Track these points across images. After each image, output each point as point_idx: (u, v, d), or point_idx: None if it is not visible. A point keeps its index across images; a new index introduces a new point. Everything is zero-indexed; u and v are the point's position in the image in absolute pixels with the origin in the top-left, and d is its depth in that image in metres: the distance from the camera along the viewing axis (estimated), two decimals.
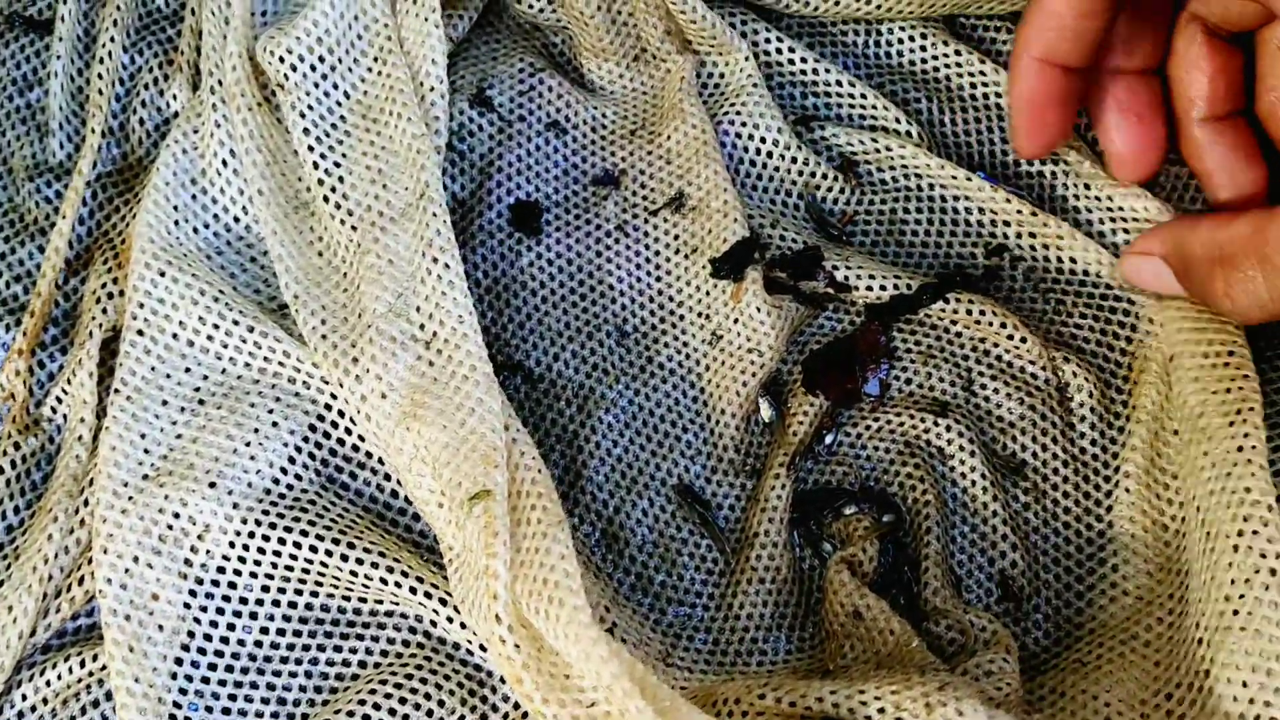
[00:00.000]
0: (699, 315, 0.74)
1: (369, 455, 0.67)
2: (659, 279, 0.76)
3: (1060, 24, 0.65)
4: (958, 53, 0.80)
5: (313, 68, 0.72)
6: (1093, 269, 0.73)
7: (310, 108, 0.72)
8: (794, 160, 0.78)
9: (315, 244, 0.70)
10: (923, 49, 0.81)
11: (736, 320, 0.73)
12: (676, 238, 0.76)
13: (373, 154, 0.71)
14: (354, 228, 0.69)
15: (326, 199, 0.70)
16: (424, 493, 0.62)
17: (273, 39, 0.72)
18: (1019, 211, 0.74)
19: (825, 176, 0.78)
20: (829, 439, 0.71)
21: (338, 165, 0.70)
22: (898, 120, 0.78)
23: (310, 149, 0.71)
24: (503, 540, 0.56)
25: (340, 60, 0.73)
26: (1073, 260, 0.73)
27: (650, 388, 0.73)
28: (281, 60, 0.72)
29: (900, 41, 0.81)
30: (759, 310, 0.72)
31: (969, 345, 0.72)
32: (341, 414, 0.67)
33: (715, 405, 0.72)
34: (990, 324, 0.71)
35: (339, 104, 0.73)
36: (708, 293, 0.74)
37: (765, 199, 0.78)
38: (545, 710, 0.55)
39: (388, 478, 0.67)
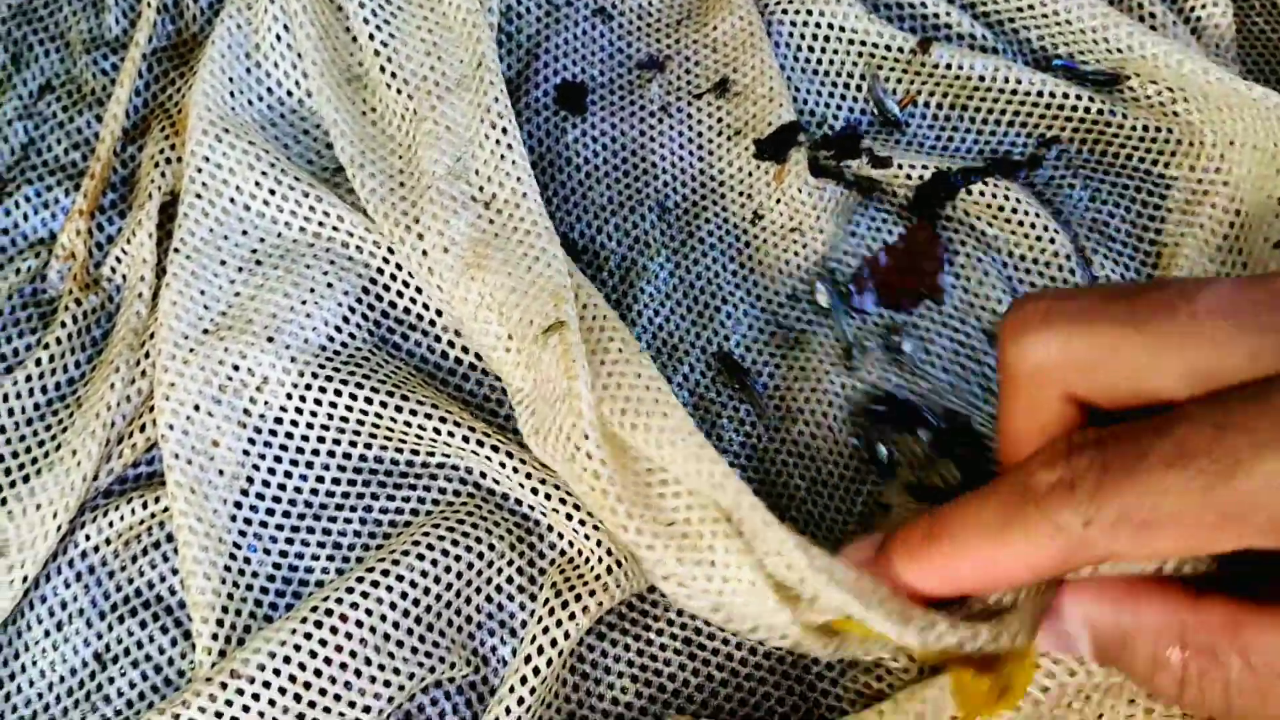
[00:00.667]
0: (740, 194, 0.76)
1: (419, 318, 0.69)
2: (701, 159, 0.77)
3: None
4: None
5: None
6: (1132, 159, 0.75)
7: None
8: (854, 41, 0.79)
9: (370, 114, 0.72)
10: None
11: (779, 200, 0.75)
12: (720, 120, 0.78)
13: (427, 28, 0.72)
14: (410, 96, 0.70)
15: (383, 69, 0.71)
16: (490, 339, 0.63)
17: None
18: (1076, 100, 0.76)
19: (889, 53, 0.79)
20: (908, 347, 0.72)
21: (393, 37, 0.72)
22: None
23: (365, 21, 0.72)
24: (581, 364, 0.57)
25: None
26: (1112, 148, 0.75)
27: (691, 260, 0.74)
28: None
29: None
30: (800, 191, 0.74)
31: (1005, 249, 0.74)
32: (394, 278, 0.69)
33: (758, 280, 0.73)
34: (1022, 222, 0.73)
35: None
36: (750, 173, 0.76)
37: (824, 81, 0.80)
38: (629, 525, 0.56)
39: (438, 339, 0.69)
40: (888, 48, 0.78)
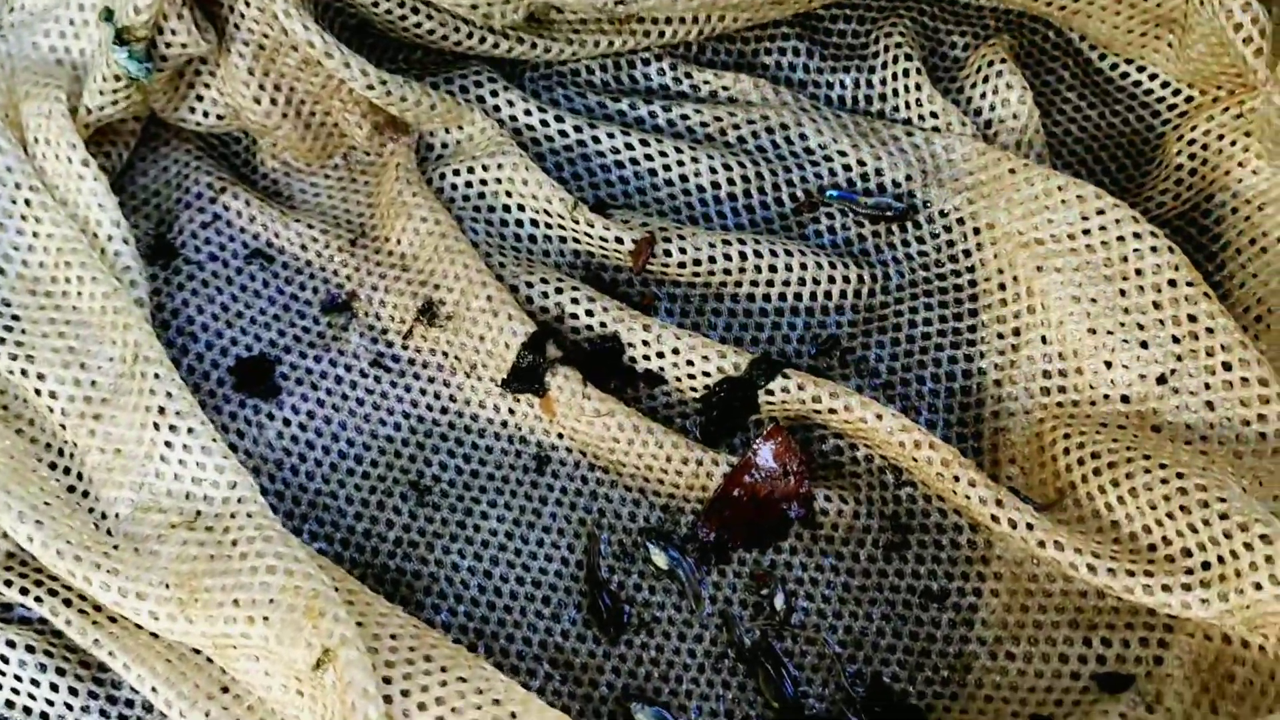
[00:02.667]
0: (512, 443, 0.61)
1: (27, 711, 0.54)
2: (444, 413, 0.62)
3: None
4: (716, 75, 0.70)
5: None
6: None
7: None
8: (576, 222, 0.65)
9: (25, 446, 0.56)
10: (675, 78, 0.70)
11: (561, 436, 0.61)
12: (446, 356, 0.63)
13: (57, 331, 0.56)
14: (63, 425, 0.56)
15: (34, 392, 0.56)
16: (259, 680, 0.50)
17: None
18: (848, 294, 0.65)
19: (613, 242, 0.65)
20: (779, 601, 0.59)
21: (19, 353, 0.55)
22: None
23: None
24: (359, 696, 0.45)
25: None
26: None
27: (474, 555, 0.59)
28: None
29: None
30: (581, 419, 0.60)
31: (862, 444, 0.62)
32: None
33: (558, 555, 0.60)
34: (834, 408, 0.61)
35: None
36: (511, 410, 0.61)
37: (548, 264, 0.66)
38: None
39: None
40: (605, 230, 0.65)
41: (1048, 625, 0.56)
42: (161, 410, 0.54)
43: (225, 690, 0.52)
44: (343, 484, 0.60)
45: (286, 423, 0.61)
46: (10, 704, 0.54)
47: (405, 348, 0.63)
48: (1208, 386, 0.56)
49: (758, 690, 0.57)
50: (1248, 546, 0.50)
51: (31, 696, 0.54)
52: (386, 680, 0.47)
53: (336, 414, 0.61)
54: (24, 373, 0.56)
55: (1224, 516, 0.51)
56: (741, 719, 0.57)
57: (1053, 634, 0.56)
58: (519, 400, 0.61)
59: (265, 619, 0.48)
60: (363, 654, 0.46)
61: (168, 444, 0.54)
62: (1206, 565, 0.51)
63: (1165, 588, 0.52)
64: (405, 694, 0.47)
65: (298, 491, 0.60)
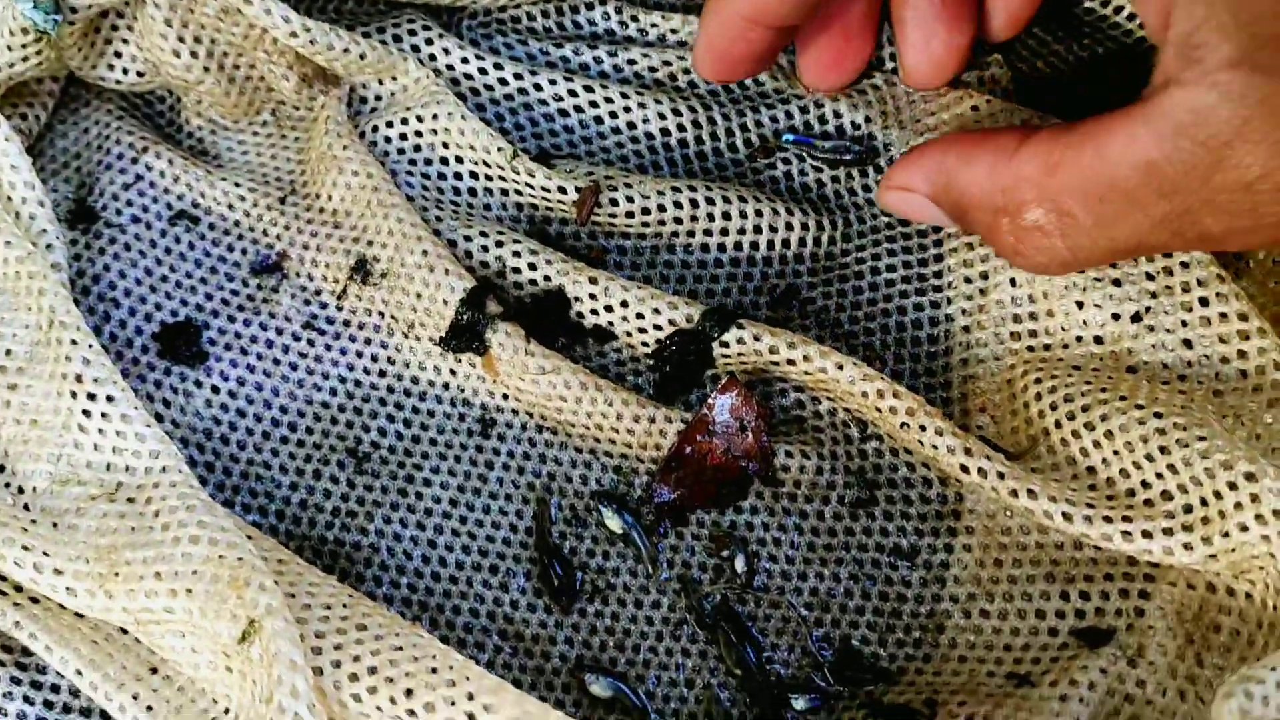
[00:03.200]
0: (454, 405, 0.58)
1: None
2: (383, 376, 0.59)
3: None
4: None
5: None
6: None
7: None
8: (517, 172, 0.61)
9: None
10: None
11: (506, 397, 0.57)
12: (382, 315, 0.59)
13: None
14: None
15: None
16: (186, 657, 0.47)
17: None
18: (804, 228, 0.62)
19: (555, 192, 0.62)
20: (740, 563, 0.56)
21: None
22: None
23: None
24: (286, 667, 0.42)
25: None
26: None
27: (416, 524, 0.56)
28: None
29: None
30: (525, 376, 0.57)
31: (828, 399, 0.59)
32: None
33: (505, 522, 0.56)
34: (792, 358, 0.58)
35: None
36: (452, 372, 0.58)
37: (488, 217, 0.62)
38: None
39: None
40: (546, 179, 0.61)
41: (1023, 580, 0.53)
42: (79, 378, 0.51)
43: (154, 671, 0.49)
44: (276, 453, 0.57)
45: (215, 390, 0.58)
46: None
47: (339, 309, 0.59)
48: (1184, 324, 0.53)
49: (719, 657, 0.54)
50: (1231, 486, 0.47)
51: None
52: (316, 651, 0.44)
53: (268, 380, 0.58)
54: None
55: (1205, 456, 0.48)
56: (702, 687, 0.53)
57: (1028, 589, 0.53)
58: (460, 360, 0.58)
59: (188, 591, 0.45)
60: (290, 624, 0.43)
61: (85, 413, 0.50)
62: (1188, 508, 0.49)
63: (1146, 534, 0.49)
64: (336, 665, 0.44)
65: (229, 462, 0.57)
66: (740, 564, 0.55)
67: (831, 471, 0.56)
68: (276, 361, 0.58)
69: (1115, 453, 0.51)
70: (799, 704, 0.53)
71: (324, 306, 0.60)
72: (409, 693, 0.43)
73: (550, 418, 0.57)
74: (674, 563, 0.55)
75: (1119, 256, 0.48)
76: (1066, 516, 0.50)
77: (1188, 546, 0.48)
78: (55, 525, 0.49)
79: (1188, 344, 0.53)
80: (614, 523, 0.56)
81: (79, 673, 0.49)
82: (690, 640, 0.54)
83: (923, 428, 0.53)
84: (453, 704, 0.43)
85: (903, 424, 0.54)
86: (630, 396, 0.57)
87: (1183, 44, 0.44)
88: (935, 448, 0.53)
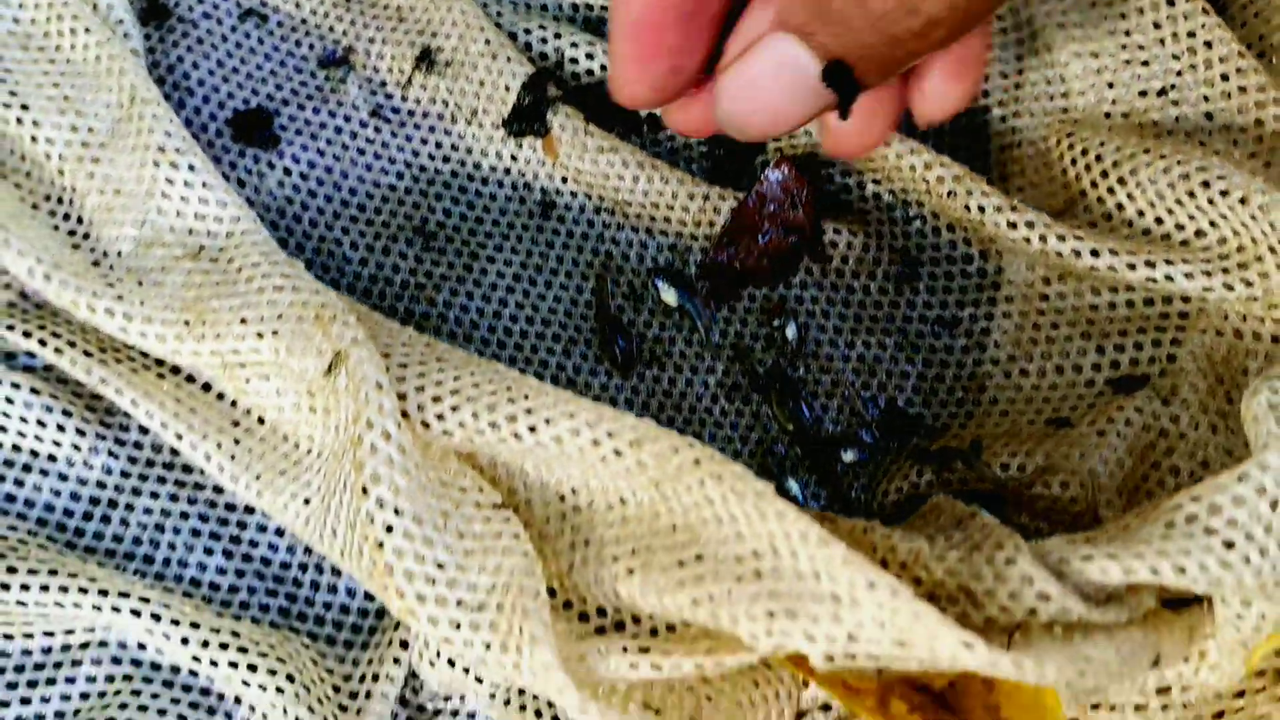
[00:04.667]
0: (515, 189, 0.61)
1: (34, 454, 0.54)
2: (447, 161, 0.61)
3: None
4: None
5: None
6: None
7: None
8: None
9: (21, 198, 0.55)
10: None
11: (565, 180, 0.60)
12: (447, 104, 0.62)
13: (51, 81, 0.55)
14: (60, 171, 0.55)
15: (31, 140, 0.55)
16: (271, 404, 0.50)
17: None
18: None
19: None
20: (790, 332, 0.59)
21: (12, 102, 0.54)
22: None
23: None
24: (371, 391, 0.45)
25: None
26: None
27: (481, 297, 0.59)
28: None
29: None
30: (585, 157, 0.59)
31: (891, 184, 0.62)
32: None
33: (566, 296, 0.59)
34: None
35: None
36: (514, 157, 0.61)
37: (545, 14, 0.64)
38: (418, 611, 0.43)
39: (63, 478, 0.54)
40: None
41: (1060, 340, 0.56)
42: (161, 149, 0.53)
43: (236, 424, 0.52)
44: (346, 231, 0.60)
45: (287, 172, 0.60)
46: (17, 448, 0.53)
47: (404, 98, 0.62)
48: (1206, 98, 0.56)
49: (772, 416, 0.57)
50: (1270, 225, 0.50)
51: (39, 439, 0.53)
52: (400, 379, 0.46)
53: (337, 163, 0.61)
54: (19, 121, 0.55)
55: (1227, 194, 0.51)
56: (756, 442, 0.56)
57: (1066, 347, 0.56)
58: (521, 145, 0.60)
59: (274, 332, 0.48)
60: (374, 353, 0.46)
61: (169, 180, 0.53)
62: (1223, 242, 0.51)
63: (1187, 275, 0.52)
64: (420, 389, 0.46)
65: (301, 239, 0.59)
66: (791, 332, 0.58)
67: (877, 249, 0.59)
68: (345, 147, 0.61)
69: (1149, 202, 0.53)
70: (848, 456, 0.56)
71: (389, 96, 0.62)
72: (490, 408, 0.46)
73: (608, 199, 0.60)
74: (727, 333, 0.58)
75: None
76: (1110, 265, 0.53)
77: (1227, 285, 0.51)
78: (141, 283, 0.51)
79: (1209, 116, 0.56)
80: (670, 296, 0.58)
81: (164, 425, 0.52)
82: (744, 402, 0.57)
83: (969, 193, 0.56)
84: (529, 412, 0.45)
85: (949, 193, 0.57)
86: (685, 176, 0.59)
87: None
88: (981, 210, 0.56)
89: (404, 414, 0.46)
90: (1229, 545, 0.40)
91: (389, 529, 0.43)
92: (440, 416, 0.46)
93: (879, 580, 0.39)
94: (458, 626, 0.43)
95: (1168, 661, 0.43)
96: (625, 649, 0.44)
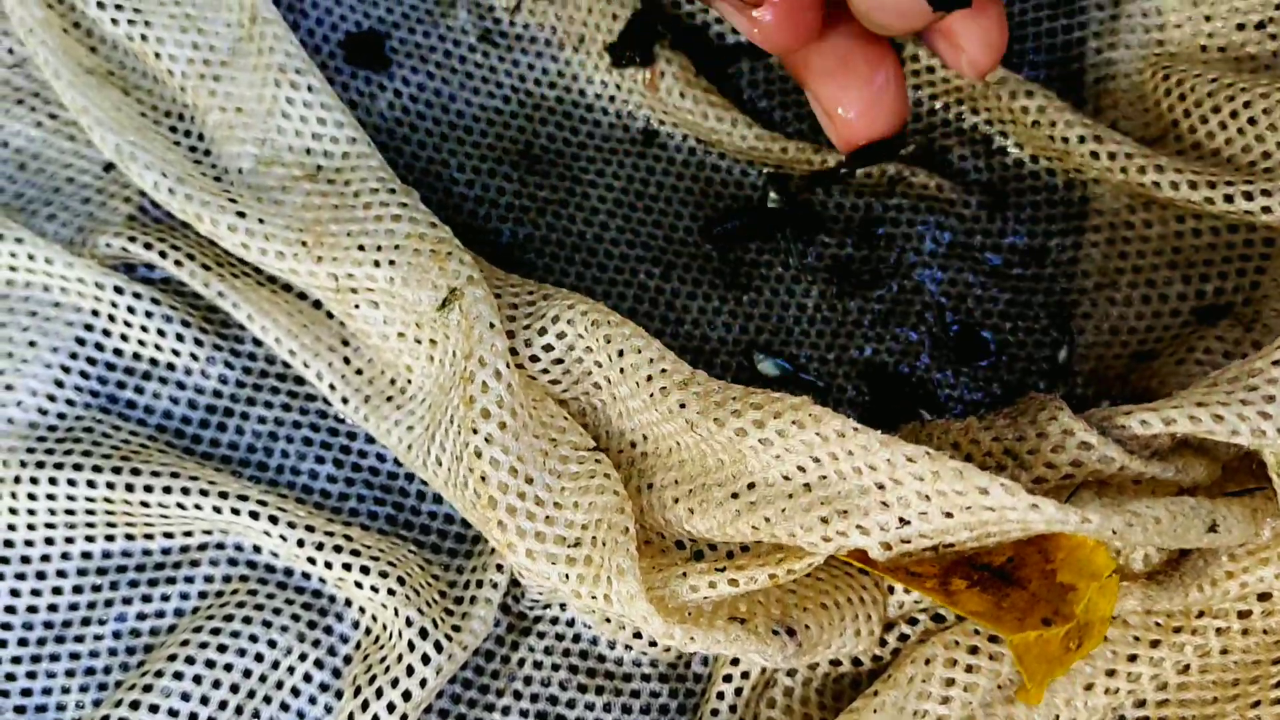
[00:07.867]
0: (619, 117, 0.62)
1: (154, 363, 0.56)
2: (553, 87, 0.63)
3: None
4: None
5: None
6: None
7: None
8: None
9: (145, 113, 0.57)
10: None
11: (665, 113, 0.61)
12: (555, 31, 0.63)
13: (173, 2, 0.57)
14: (183, 88, 0.56)
15: (154, 56, 0.56)
16: (377, 331, 0.52)
17: None
18: None
19: None
20: (881, 230, 0.60)
21: (136, 20, 0.55)
22: None
23: (102, 6, 0.56)
24: (484, 330, 0.47)
25: None
26: None
27: (584, 220, 0.61)
28: None
29: None
30: (685, 95, 0.61)
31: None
32: (113, 318, 0.55)
33: (666, 222, 0.61)
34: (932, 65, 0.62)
35: None
36: (618, 86, 0.62)
37: None
38: (518, 545, 0.46)
39: (181, 386, 0.55)
40: None
41: (1147, 269, 0.57)
42: (281, 68, 0.54)
43: (345, 343, 0.54)
44: (453, 153, 0.61)
45: (397, 94, 0.62)
46: (138, 356, 0.55)
47: (513, 23, 0.63)
48: None
49: (867, 328, 0.58)
50: None
51: (158, 348, 0.55)
52: (510, 318, 0.49)
53: (446, 86, 0.62)
54: (143, 38, 0.56)
55: None
56: (849, 362, 0.58)
57: (1152, 276, 0.57)
58: (624, 77, 0.62)
59: (391, 262, 0.50)
60: (488, 293, 0.48)
61: (289, 100, 0.54)
62: None
63: (1266, 208, 0.52)
64: (526, 327, 0.49)
65: (410, 160, 0.61)
66: (885, 254, 0.59)
67: (965, 183, 0.60)
68: (454, 70, 0.62)
69: (1239, 131, 0.54)
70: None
71: (498, 20, 0.63)
72: (589, 349, 0.48)
73: (706, 136, 0.61)
74: (823, 256, 0.60)
75: None
76: (1193, 185, 0.54)
77: None
78: (261, 200, 0.53)
79: None
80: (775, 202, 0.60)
81: (278, 340, 0.54)
82: (839, 323, 0.59)
83: (1053, 123, 0.57)
84: (621, 354, 0.47)
85: (1034, 121, 0.58)
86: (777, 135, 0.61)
87: None
88: (1066, 140, 0.57)
89: (513, 351, 0.48)
90: (1270, 399, 0.41)
91: (495, 464, 0.45)
92: (535, 359, 0.49)
93: (914, 452, 0.41)
94: (554, 561, 0.45)
95: (1228, 532, 0.45)
96: (703, 571, 0.46)
